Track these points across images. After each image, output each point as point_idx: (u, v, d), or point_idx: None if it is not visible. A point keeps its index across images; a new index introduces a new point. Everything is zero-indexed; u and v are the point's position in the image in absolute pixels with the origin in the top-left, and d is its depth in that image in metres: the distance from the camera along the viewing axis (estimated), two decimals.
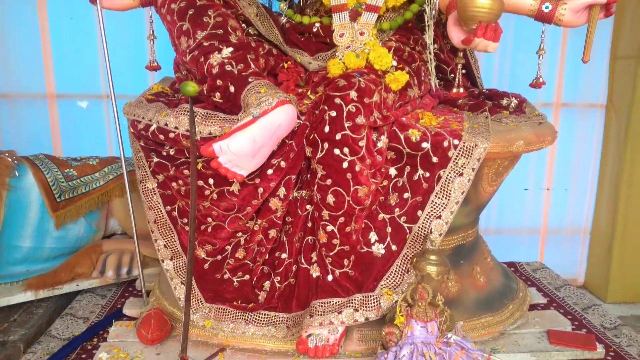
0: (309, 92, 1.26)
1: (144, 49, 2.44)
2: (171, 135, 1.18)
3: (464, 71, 1.39)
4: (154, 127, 1.20)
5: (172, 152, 1.22)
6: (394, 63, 1.26)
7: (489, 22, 1.11)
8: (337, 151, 1.10)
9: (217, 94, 1.16)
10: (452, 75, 1.54)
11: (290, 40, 1.37)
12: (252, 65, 1.16)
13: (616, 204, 2.54)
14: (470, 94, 1.51)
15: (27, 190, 1.65)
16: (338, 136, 1.10)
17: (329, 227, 1.15)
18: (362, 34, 1.28)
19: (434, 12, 1.35)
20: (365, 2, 1.30)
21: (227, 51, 1.15)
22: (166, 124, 1.18)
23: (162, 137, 1.19)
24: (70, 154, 2.63)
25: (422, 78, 1.36)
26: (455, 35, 1.19)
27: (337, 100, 1.10)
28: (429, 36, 1.37)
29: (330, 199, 1.13)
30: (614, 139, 2.69)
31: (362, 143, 1.11)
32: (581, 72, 2.60)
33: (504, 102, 1.45)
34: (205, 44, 1.16)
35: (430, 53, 1.38)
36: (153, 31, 1.50)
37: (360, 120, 1.10)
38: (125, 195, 1.60)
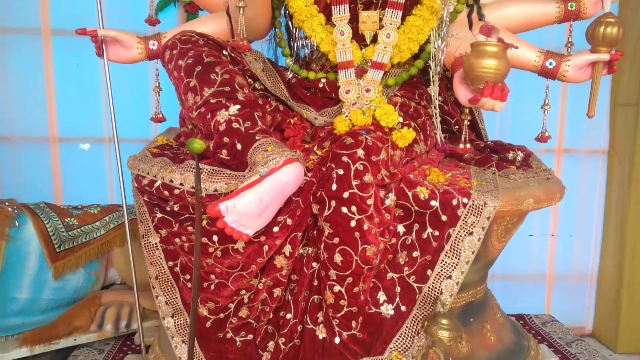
0: (315, 148, 1.25)
1: (148, 93, 2.46)
2: (176, 191, 1.16)
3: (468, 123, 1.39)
4: (158, 183, 1.18)
5: (176, 208, 1.20)
6: (400, 119, 1.26)
7: (495, 82, 1.12)
8: (344, 209, 1.08)
9: (224, 151, 1.15)
10: (457, 127, 1.55)
11: (297, 95, 1.38)
12: (259, 123, 1.16)
13: (622, 250, 2.51)
14: (476, 146, 1.51)
15: (26, 240, 1.62)
16: (346, 194, 1.08)
17: (336, 288, 1.12)
18: (368, 90, 1.28)
19: (438, 67, 1.36)
20: (371, 60, 1.31)
21: (234, 108, 1.15)
22: (171, 180, 1.17)
23: (166, 193, 1.18)
24: (71, 198, 2.61)
25: (428, 132, 1.36)
26: (462, 94, 1.19)
27: (345, 159, 1.09)
28: (433, 91, 1.38)
29: (338, 258, 1.10)
30: (617, 185, 2.69)
31: (370, 201, 1.09)
32: (582, 118, 2.60)
33: (510, 155, 1.45)
34: (213, 101, 1.16)
35: (435, 108, 1.38)
36: (159, 83, 1.51)
37: (368, 178, 1.09)
38: (126, 245, 1.58)
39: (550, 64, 1.39)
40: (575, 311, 2.58)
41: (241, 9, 1.17)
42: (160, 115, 1.52)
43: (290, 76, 1.42)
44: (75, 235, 1.70)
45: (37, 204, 1.78)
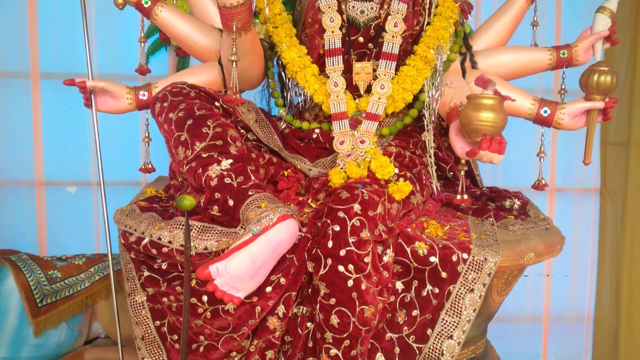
0: (310, 201, 1.22)
1: (137, 136, 2.42)
2: (164, 250, 1.11)
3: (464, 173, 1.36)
4: (146, 240, 1.14)
5: (164, 266, 1.15)
6: (396, 170, 1.23)
7: (493, 135, 1.10)
8: (341, 268, 1.04)
9: (215, 207, 1.11)
10: (452, 173, 1.53)
11: (290, 146, 1.35)
12: (252, 177, 1.12)
13: (618, 290, 2.48)
14: (472, 194, 1.48)
15: (6, 295, 1.55)
16: (342, 252, 1.04)
17: (333, 351, 1.07)
18: (362, 142, 1.26)
19: (432, 117, 1.35)
20: (365, 110, 1.30)
21: (226, 163, 1.12)
22: (159, 238, 1.12)
23: (154, 251, 1.13)
24: (56, 244, 2.53)
25: (424, 182, 1.33)
26: (459, 146, 1.17)
27: (341, 214, 1.06)
28: (428, 140, 1.36)
29: (335, 320, 1.05)
30: (611, 224, 2.67)
31: (367, 259, 1.05)
32: (574, 157, 2.62)
33: (507, 204, 1.42)
34: (204, 155, 1.13)
35: (430, 157, 1.36)
36: (148, 133, 1.48)
37: (365, 234, 1.05)
38: (110, 298, 1.51)
39: (545, 112, 1.38)
40: (572, 353, 2.52)
41: (234, 63, 1.15)
42: (150, 166, 1.48)
43: (283, 126, 1.40)
44: (58, 288, 1.63)
45: (20, 255, 1.71)
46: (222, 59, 1.33)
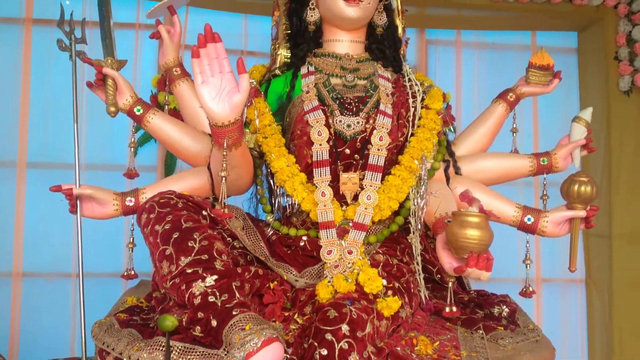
0: (295, 316, 1.19)
1: (122, 229, 2.39)
2: None
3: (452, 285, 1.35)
4: None
5: None
6: (384, 282, 1.22)
7: (479, 252, 1.10)
8: None
9: (198, 328, 1.07)
10: (439, 276, 1.51)
11: (277, 254, 1.34)
12: (237, 294, 1.10)
13: None
14: (460, 300, 1.47)
15: None
16: None
17: None
18: (350, 252, 1.25)
19: (419, 225, 1.36)
20: (352, 220, 1.30)
21: (210, 279, 1.10)
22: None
23: None
24: (30, 339, 2.42)
25: (412, 291, 1.32)
26: (446, 260, 1.17)
27: (328, 336, 1.03)
28: (415, 247, 1.37)
29: None
30: (598, 316, 2.65)
31: None
32: (559, 247, 2.64)
33: (496, 311, 1.41)
34: (189, 271, 1.11)
35: (417, 264, 1.36)
36: (132, 239, 1.46)
37: (354, 358, 1.01)
38: None
39: (529, 219, 1.41)
40: None
41: (223, 179, 1.16)
42: (132, 272, 1.45)
43: (270, 233, 1.39)
44: None
45: None
46: (212, 171, 1.34)
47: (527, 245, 1.47)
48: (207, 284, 1.09)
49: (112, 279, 2.57)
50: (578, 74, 2.73)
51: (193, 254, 1.13)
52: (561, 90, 1.57)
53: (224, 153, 1.16)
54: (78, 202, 1.38)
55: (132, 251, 1.45)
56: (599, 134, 2.53)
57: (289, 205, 1.42)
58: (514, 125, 1.64)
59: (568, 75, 2.71)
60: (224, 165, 1.15)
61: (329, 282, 1.19)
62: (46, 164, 2.57)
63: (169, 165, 2.55)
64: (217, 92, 1.11)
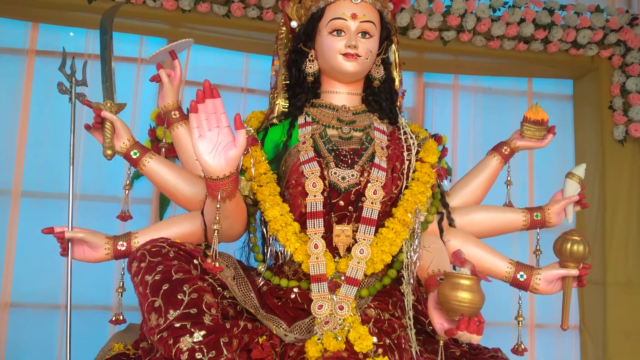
0: None
1: (112, 264, 2.38)
2: None
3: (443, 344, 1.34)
4: None
5: None
6: (375, 339, 1.21)
7: (471, 315, 1.10)
8: None
9: None
10: (431, 327, 1.50)
11: (267, 305, 1.33)
12: (225, 352, 1.08)
13: None
14: (451, 354, 1.45)
15: None
16: None
17: None
18: (341, 307, 1.24)
19: (411, 279, 1.35)
20: (344, 274, 1.30)
21: (198, 335, 1.08)
22: None
23: None
24: None
25: (403, 347, 1.30)
26: (437, 321, 1.16)
27: None
28: (407, 302, 1.36)
29: None
30: None
31: None
32: (552, 295, 2.62)
33: None
34: (177, 325, 1.09)
35: (409, 319, 1.35)
36: (122, 283, 1.44)
37: None
38: None
39: (522, 276, 1.41)
40: None
41: (216, 232, 1.16)
42: (121, 317, 1.44)
43: (261, 283, 1.38)
44: None
45: None
46: (206, 220, 1.34)
47: (520, 301, 1.47)
48: (195, 340, 1.08)
49: (101, 311, 2.54)
50: (573, 120, 2.77)
51: (182, 307, 1.12)
52: (556, 136, 1.59)
53: (218, 206, 1.16)
54: (70, 244, 1.37)
55: (121, 296, 1.44)
56: (593, 182, 2.55)
57: (281, 254, 1.41)
58: (509, 178, 1.65)
59: (563, 122, 2.75)
60: (217, 218, 1.15)
61: (318, 339, 1.18)
62: (41, 194, 2.57)
63: (164, 199, 2.55)
64: (214, 146, 1.12)
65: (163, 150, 1.67)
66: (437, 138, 2.64)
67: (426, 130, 2.39)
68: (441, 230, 1.47)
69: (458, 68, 2.72)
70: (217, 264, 1.15)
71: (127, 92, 2.61)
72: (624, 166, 2.56)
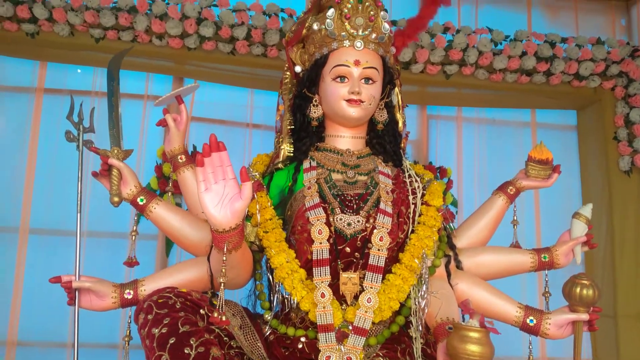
0: None
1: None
2: None
3: None
4: None
5: None
6: None
7: None
8: None
9: None
10: None
11: (274, 356, 1.32)
12: None
13: None
14: None
15: None
16: None
17: None
18: (349, 359, 1.23)
19: (420, 326, 1.34)
20: (352, 323, 1.29)
21: None
22: None
23: None
24: None
25: None
26: None
27: None
28: (416, 349, 1.34)
29: None
30: None
31: None
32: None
33: None
34: None
35: None
36: (129, 332, 1.44)
37: None
38: None
39: (531, 321, 1.40)
40: None
41: (222, 284, 1.15)
42: None
43: (268, 332, 1.37)
44: None
45: None
46: (212, 269, 1.34)
47: (530, 346, 1.45)
48: None
49: (108, 350, 2.53)
50: (578, 151, 2.77)
51: None
52: (562, 167, 1.58)
53: (224, 258, 1.16)
54: (77, 293, 1.37)
55: (128, 344, 1.43)
56: (600, 213, 2.53)
57: (287, 301, 1.41)
58: (515, 218, 1.65)
59: (568, 153, 2.75)
60: (223, 270, 1.15)
61: None
62: (48, 231, 2.58)
63: None
64: (220, 199, 1.13)
65: (170, 194, 1.70)
66: (442, 171, 2.64)
67: (431, 163, 2.40)
68: (449, 274, 1.47)
69: (461, 101, 2.73)
70: (223, 318, 1.14)
71: (134, 129, 2.64)
72: (631, 197, 2.55)
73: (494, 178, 2.61)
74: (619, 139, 2.56)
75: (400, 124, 1.60)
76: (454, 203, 2.59)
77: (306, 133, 1.52)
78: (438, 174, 2.62)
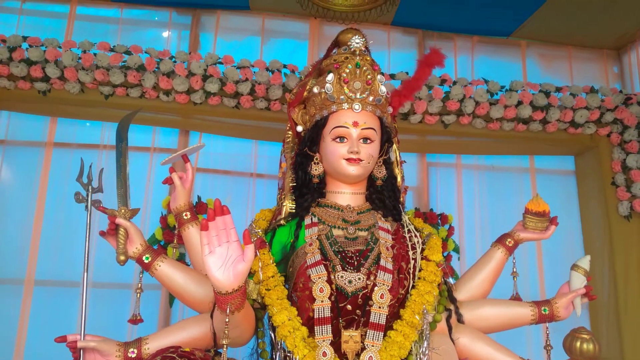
0: None
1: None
2: None
3: None
4: None
5: None
6: None
7: None
8: None
9: None
10: None
11: None
12: None
13: None
14: None
15: None
16: None
17: None
18: None
19: None
20: None
21: None
22: None
23: None
24: None
25: None
26: None
27: None
28: None
29: None
30: None
31: None
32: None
33: None
34: None
35: None
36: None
37: None
38: None
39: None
40: None
41: (225, 346, 1.17)
42: None
43: None
44: None
45: None
46: (215, 330, 1.35)
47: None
48: None
49: None
50: (577, 196, 2.80)
51: None
52: (562, 212, 1.62)
53: (227, 320, 1.18)
54: (82, 353, 1.39)
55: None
56: (602, 257, 2.54)
57: (289, 358, 1.41)
58: (514, 270, 1.66)
59: (567, 197, 2.78)
60: (226, 332, 1.17)
61: None
62: (54, 282, 2.61)
63: None
64: (223, 261, 1.16)
65: (174, 249, 1.73)
66: (444, 217, 2.67)
67: (432, 210, 2.42)
68: (450, 328, 1.48)
69: (460, 148, 2.79)
70: None
71: (140, 180, 2.70)
72: (632, 242, 2.55)
73: (494, 223, 2.64)
74: (617, 184, 2.59)
75: (399, 179, 1.64)
76: (456, 249, 2.61)
77: (308, 189, 1.56)
78: (439, 220, 2.65)
